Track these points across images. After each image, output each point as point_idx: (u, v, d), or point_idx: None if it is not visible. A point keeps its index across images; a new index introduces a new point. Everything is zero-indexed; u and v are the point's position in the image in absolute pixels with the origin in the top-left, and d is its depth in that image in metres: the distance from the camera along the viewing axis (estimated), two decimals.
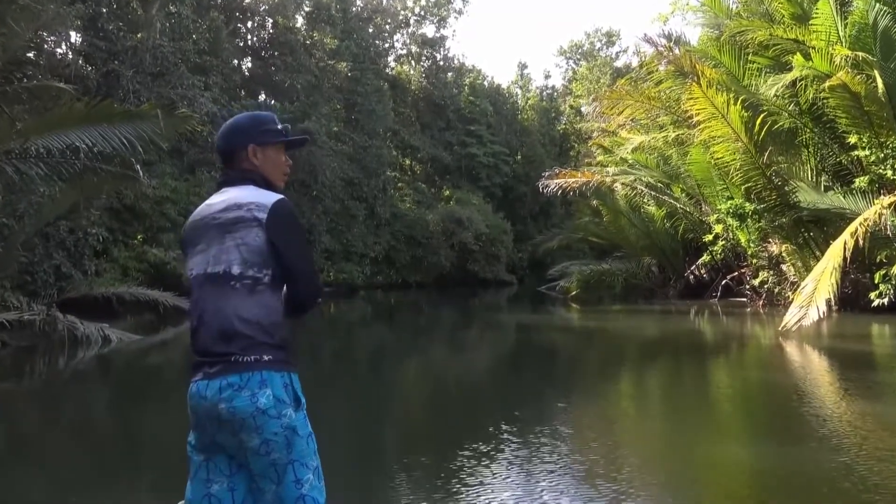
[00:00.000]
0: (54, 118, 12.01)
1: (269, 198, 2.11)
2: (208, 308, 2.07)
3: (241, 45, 34.26)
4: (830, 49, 13.91)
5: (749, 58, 17.07)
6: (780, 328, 11.04)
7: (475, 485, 4.34)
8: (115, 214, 21.38)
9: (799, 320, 10.37)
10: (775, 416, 6.51)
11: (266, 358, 2.01)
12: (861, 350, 10.96)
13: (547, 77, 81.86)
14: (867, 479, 4.30)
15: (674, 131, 19.60)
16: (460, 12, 47.62)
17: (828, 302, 10.11)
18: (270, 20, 34.51)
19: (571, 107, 54.55)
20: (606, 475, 4.52)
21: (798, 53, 14.21)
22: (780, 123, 15.59)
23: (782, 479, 4.47)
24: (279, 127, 2.30)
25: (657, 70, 18.94)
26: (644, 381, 9.08)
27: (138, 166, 12.77)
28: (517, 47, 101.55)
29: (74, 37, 23.70)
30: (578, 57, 58.28)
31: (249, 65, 34.90)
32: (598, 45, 57.46)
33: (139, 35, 23.38)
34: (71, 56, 22.51)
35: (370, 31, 39.90)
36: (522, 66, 67.74)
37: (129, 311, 17.40)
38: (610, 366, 10.24)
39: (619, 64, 53.12)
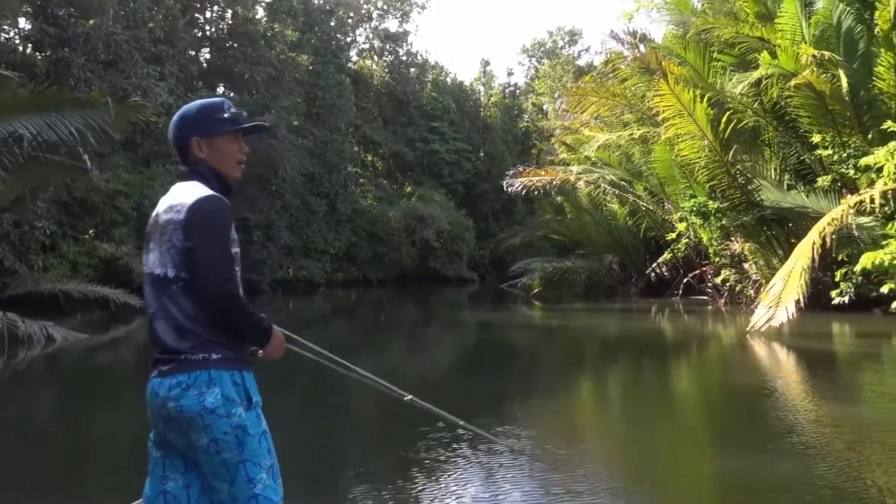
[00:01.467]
0: None
1: (194, 196, 2.06)
2: (160, 306, 2.07)
3: (199, 35, 33.38)
4: (795, 48, 13.93)
5: (714, 56, 17.08)
6: (748, 328, 10.95)
7: (432, 490, 4.16)
8: (64, 208, 20.57)
9: (767, 321, 10.28)
10: (743, 418, 6.33)
11: (215, 356, 2.01)
12: (826, 349, 10.95)
13: (510, 75, 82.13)
14: (839, 482, 4.15)
15: (638, 129, 19.53)
16: (423, 7, 47.23)
17: (797, 303, 10.03)
18: (230, 11, 33.69)
19: (534, 104, 54.63)
20: (563, 486, 4.27)
21: (765, 52, 14.20)
22: (745, 122, 15.60)
23: (750, 485, 4.27)
24: (227, 115, 2.22)
25: (622, 67, 18.84)
26: (612, 384, 8.88)
27: (86, 157, 12.14)
28: (480, 44, 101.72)
29: (24, 22, 22.76)
30: (541, 55, 58.40)
31: (208, 56, 34.04)
32: (561, 43, 57.68)
33: (91, 21, 22.52)
34: (18, 41, 21.54)
35: (332, 24, 39.26)
36: (485, 64, 67.59)
37: (78, 308, 16.72)
38: (575, 367, 10.03)
39: (581, 63, 53.41)
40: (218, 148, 2.19)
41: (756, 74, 14.51)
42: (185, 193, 2.09)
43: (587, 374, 9.39)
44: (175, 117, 2.23)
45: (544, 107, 52.85)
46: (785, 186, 16.05)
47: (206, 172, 2.17)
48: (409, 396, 2.68)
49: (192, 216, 2.03)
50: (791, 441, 5.27)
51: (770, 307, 10.38)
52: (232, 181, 2.24)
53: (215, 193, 2.10)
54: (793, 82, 13.63)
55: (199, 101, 2.25)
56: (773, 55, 14.07)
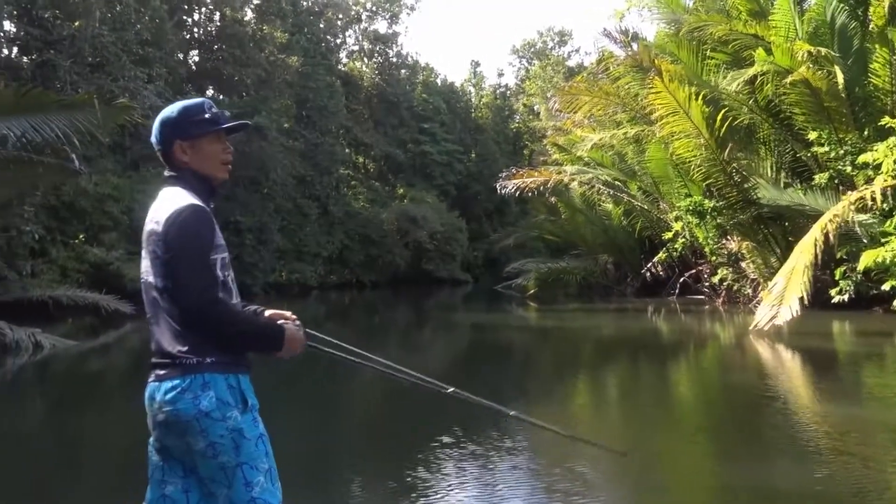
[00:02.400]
0: None
1: (172, 207, 2.05)
2: (154, 312, 2.08)
3: (188, 37, 33.08)
4: (790, 44, 13.82)
5: (707, 53, 16.96)
6: (751, 327, 10.79)
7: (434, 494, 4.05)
8: (52, 212, 20.25)
9: (771, 319, 10.12)
10: (753, 423, 6.16)
11: (209, 360, 2.01)
12: (830, 349, 10.81)
13: (500, 75, 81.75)
14: (857, 490, 3.99)
15: (631, 128, 19.37)
16: (412, 8, 46.87)
17: (800, 300, 9.88)
18: (218, 13, 33.40)
19: (525, 105, 54.52)
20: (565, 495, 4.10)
21: (760, 48, 14.09)
22: (740, 119, 15.47)
23: (766, 495, 4.11)
24: (208, 115, 2.19)
25: (615, 66, 18.69)
26: (619, 387, 8.68)
27: (74, 156, 11.90)
28: (470, 45, 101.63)
29: (8, 25, 22.43)
30: (531, 56, 58.30)
31: (196, 58, 33.74)
32: (551, 44, 57.59)
33: (77, 23, 22.23)
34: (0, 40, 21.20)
35: (321, 26, 39.01)
36: (475, 64, 67.68)
37: (69, 314, 16.41)
38: (580, 370, 9.81)
39: (571, 63, 53.35)
40: (201, 150, 2.17)
41: (751, 71, 14.40)
42: (165, 203, 2.08)
43: (593, 377, 9.15)
44: (156, 121, 2.20)
45: (535, 107, 52.76)
46: (781, 184, 15.93)
47: (189, 177, 2.15)
48: (451, 389, 2.63)
49: (168, 228, 2.02)
50: (804, 446, 5.11)
51: (773, 305, 10.23)
52: (218, 183, 2.23)
53: (193, 202, 2.06)
54: (789, 79, 13.52)
55: (178, 104, 2.22)
56: (769, 52, 13.95)
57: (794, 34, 14.80)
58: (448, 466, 4.74)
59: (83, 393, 8.48)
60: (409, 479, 4.51)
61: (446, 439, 5.34)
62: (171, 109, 2.19)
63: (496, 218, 46.03)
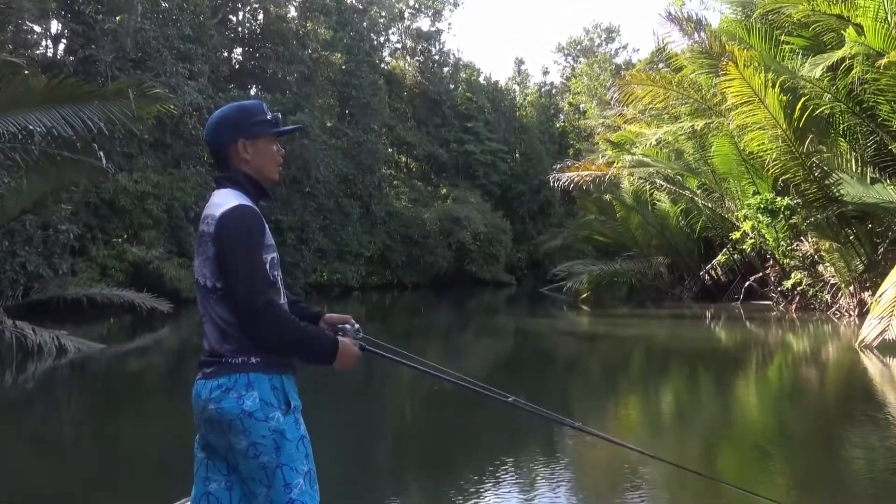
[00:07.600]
0: (5, 96, 10.48)
1: (223, 208, 2.06)
2: (205, 311, 2.11)
3: (231, 35, 32.70)
4: (885, 24, 12.47)
5: (781, 38, 15.62)
6: (857, 342, 9.47)
7: None
8: (92, 210, 19.88)
9: (881, 332, 8.84)
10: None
11: (254, 360, 2.02)
12: None
13: (545, 73, 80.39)
14: None
15: (692, 121, 18.01)
16: (456, 4, 45.91)
17: None
18: (262, 11, 32.95)
19: (570, 104, 53.17)
20: None
21: (850, 29, 12.74)
22: (822, 108, 14.09)
23: None
24: (269, 116, 2.21)
25: (678, 53, 17.42)
26: (717, 413, 7.55)
27: (101, 153, 11.22)
28: (514, 42, 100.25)
29: (56, 26, 22.15)
30: (577, 53, 56.89)
31: (240, 57, 33.37)
32: (598, 41, 56.08)
33: (119, 18, 21.83)
34: (38, 35, 20.87)
35: (364, 24, 38.38)
36: (519, 62, 66.00)
37: (110, 313, 15.91)
38: (668, 390, 8.67)
39: (619, 60, 51.85)
40: (261, 150, 2.18)
41: (839, 54, 13.05)
42: (217, 204, 2.09)
43: (696, 402, 7.86)
44: (212, 119, 2.20)
45: (581, 106, 51.41)
46: (868, 180, 14.49)
47: (241, 178, 2.15)
48: (512, 398, 2.50)
49: (220, 230, 2.03)
50: None
51: (882, 317, 8.95)
52: (270, 184, 2.23)
53: (244, 203, 2.07)
54: (883, 60, 12.16)
55: (236, 104, 2.23)
56: (859, 32, 12.62)
57: (884, 14, 13.42)
58: (497, 480, 4.36)
59: (103, 401, 7.71)
60: (452, 491, 4.20)
61: (501, 452, 4.65)
62: (230, 108, 2.20)
63: (540, 219, 44.85)
